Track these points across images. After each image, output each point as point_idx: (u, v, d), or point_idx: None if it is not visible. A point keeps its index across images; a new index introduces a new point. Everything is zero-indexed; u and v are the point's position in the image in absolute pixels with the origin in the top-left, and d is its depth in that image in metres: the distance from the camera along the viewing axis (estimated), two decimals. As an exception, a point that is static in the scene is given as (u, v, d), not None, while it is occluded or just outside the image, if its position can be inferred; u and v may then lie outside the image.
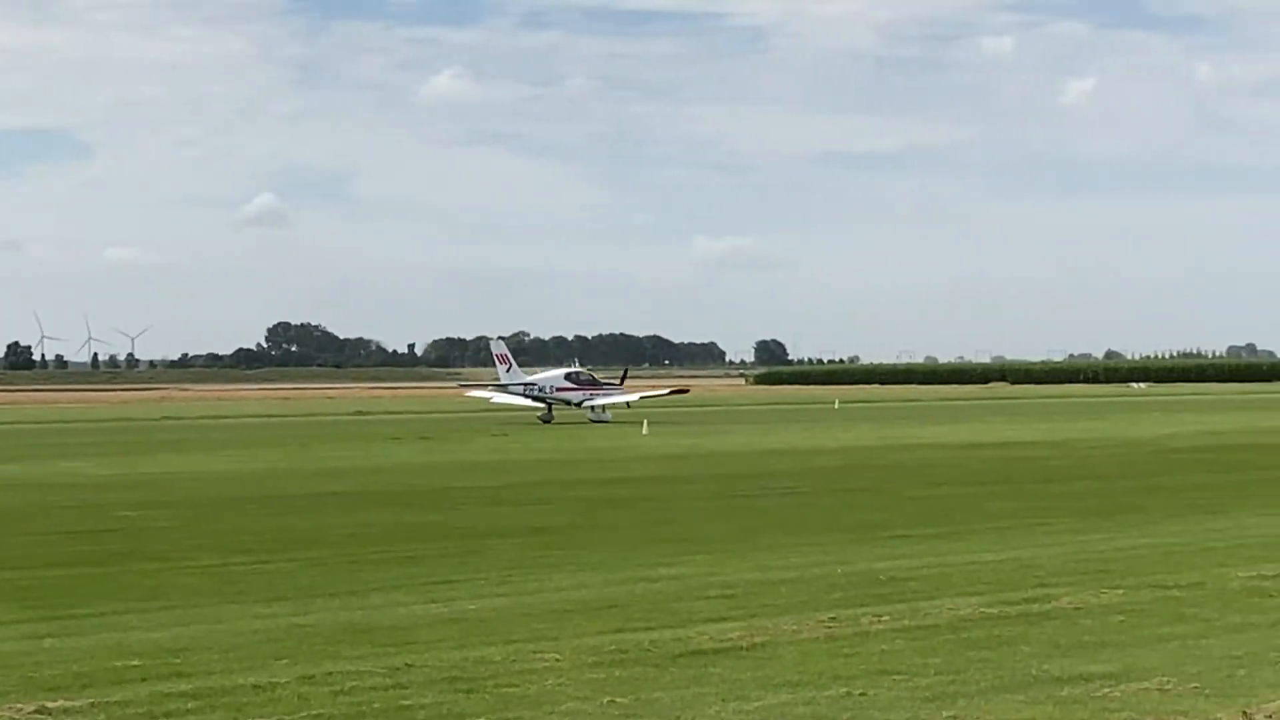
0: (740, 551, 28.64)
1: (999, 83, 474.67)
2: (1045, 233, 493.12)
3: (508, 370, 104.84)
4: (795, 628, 20.25)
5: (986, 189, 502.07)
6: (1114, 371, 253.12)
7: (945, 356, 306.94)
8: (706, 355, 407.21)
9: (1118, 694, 16.06)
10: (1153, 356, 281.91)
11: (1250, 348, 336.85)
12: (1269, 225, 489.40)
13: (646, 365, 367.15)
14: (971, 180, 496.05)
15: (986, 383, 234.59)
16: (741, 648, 18.92)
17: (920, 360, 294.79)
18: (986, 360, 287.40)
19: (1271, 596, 22.34)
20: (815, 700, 16.04)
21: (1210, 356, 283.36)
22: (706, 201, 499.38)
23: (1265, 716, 14.90)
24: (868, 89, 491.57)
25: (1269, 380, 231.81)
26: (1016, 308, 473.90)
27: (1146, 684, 16.46)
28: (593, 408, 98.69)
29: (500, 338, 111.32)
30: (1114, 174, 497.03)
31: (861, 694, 16.26)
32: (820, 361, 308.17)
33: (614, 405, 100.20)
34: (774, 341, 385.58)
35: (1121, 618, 20.74)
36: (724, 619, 20.99)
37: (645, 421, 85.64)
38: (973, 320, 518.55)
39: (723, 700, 16.09)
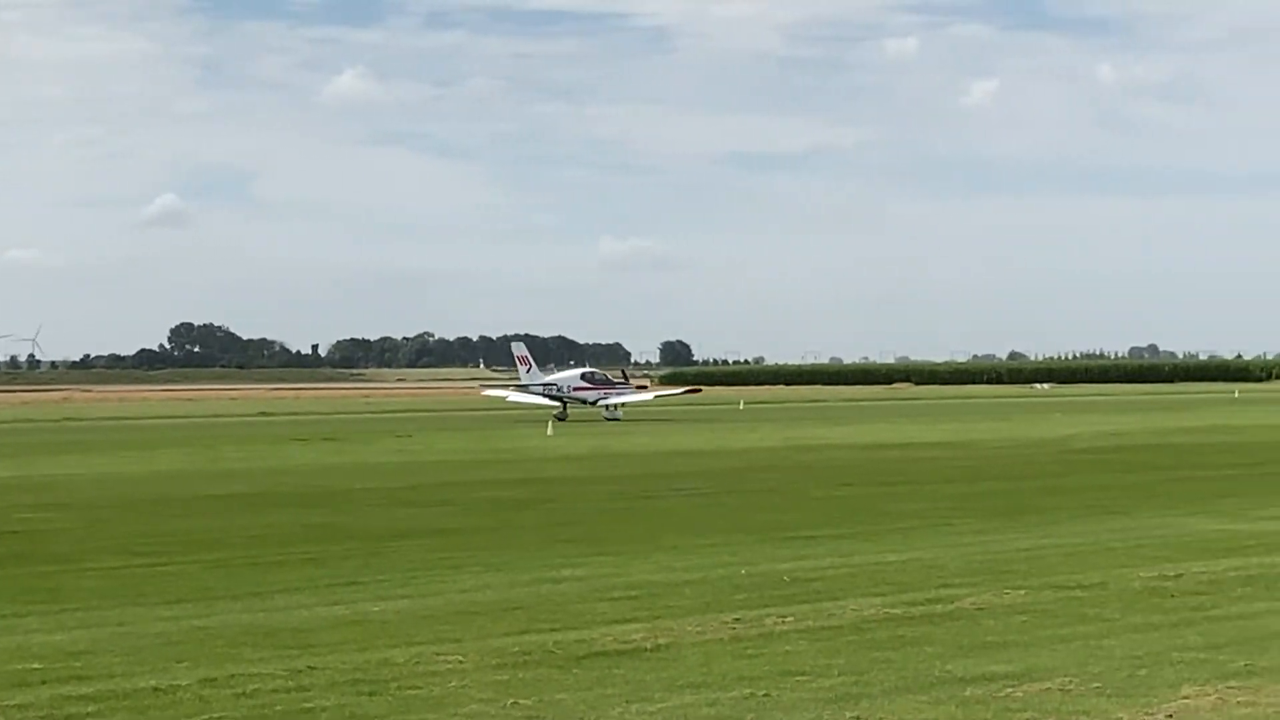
0: (644, 553, 28.61)
1: (902, 84, 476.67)
2: (949, 234, 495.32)
3: (528, 371, 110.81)
4: (699, 629, 20.24)
5: (891, 190, 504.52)
6: (1018, 372, 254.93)
7: (850, 357, 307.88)
8: (611, 356, 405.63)
9: (1020, 694, 16.11)
10: (1056, 357, 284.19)
11: (1152, 349, 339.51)
12: (1170, 226, 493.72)
13: (552, 366, 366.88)
14: (876, 181, 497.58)
15: (891, 383, 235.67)
16: (645, 649, 18.89)
17: (825, 361, 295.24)
18: (891, 361, 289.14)
19: (1173, 596, 22.48)
20: (719, 701, 16.03)
21: (1113, 357, 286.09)
22: (611, 202, 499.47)
23: (1166, 716, 14.99)
24: (771, 90, 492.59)
25: (1170, 381, 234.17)
26: (921, 309, 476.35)
27: (1049, 684, 16.53)
28: (607, 406, 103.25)
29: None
30: (1017, 175, 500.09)
31: (765, 695, 16.25)
32: (725, 362, 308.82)
33: (627, 404, 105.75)
34: (679, 342, 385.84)
35: (1024, 618, 20.83)
36: (628, 620, 20.95)
37: (550, 422, 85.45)
38: (877, 321, 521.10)
39: (626, 701, 16.05)
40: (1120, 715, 15.06)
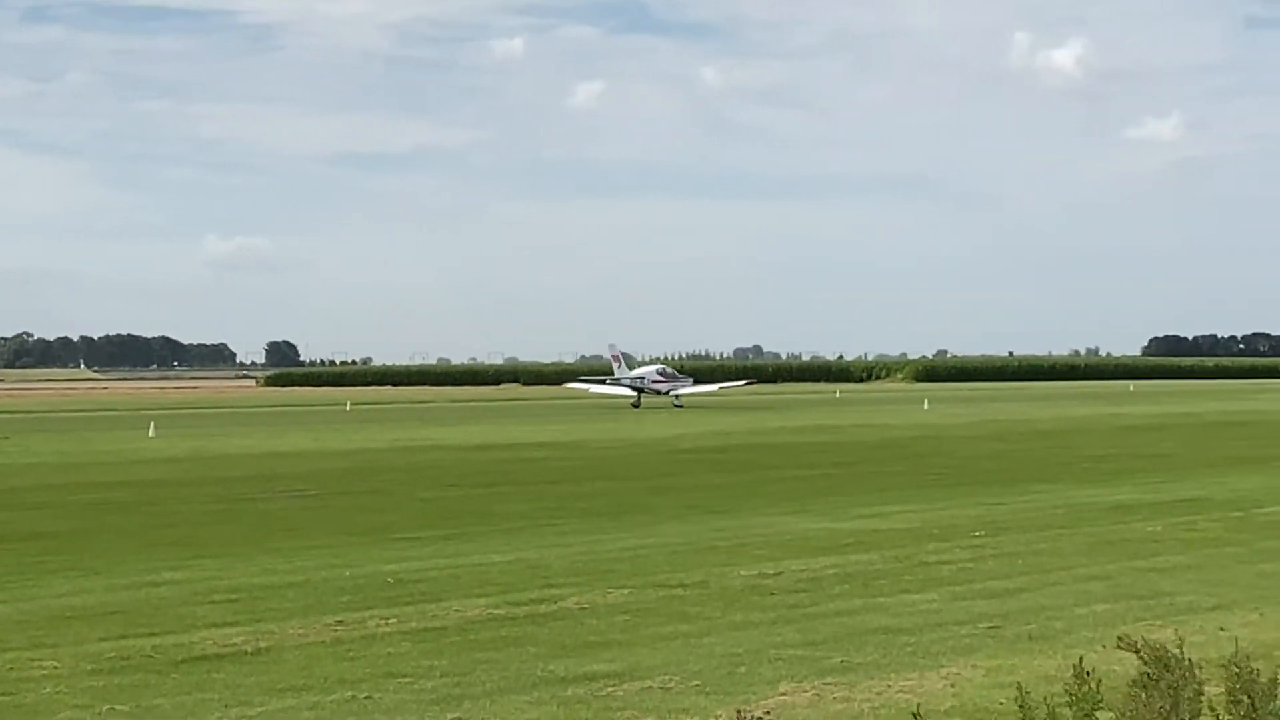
0: (247, 555, 28.21)
1: (510, 85, 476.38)
2: (558, 235, 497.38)
3: (619, 367, 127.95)
4: (302, 631, 20.02)
5: (499, 191, 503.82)
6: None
7: (459, 358, 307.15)
8: (217, 356, 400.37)
9: (621, 693, 16.23)
10: (663, 358, 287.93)
11: (756, 349, 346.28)
12: (774, 229, 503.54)
13: (155, 366, 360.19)
14: (485, 182, 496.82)
15: (499, 384, 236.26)
16: (246, 652, 18.62)
17: (433, 362, 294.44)
18: (499, 362, 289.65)
19: (772, 595, 22.87)
20: (320, 705, 15.86)
21: (719, 358, 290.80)
22: (217, 202, 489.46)
23: (764, 712, 15.20)
24: (380, 90, 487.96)
25: (775, 381, 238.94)
26: (530, 310, 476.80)
27: (649, 682, 16.68)
28: (676, 395, 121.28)
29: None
30: (625, 177, 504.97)
31: (367, 697, 16.13)
32: (332, 363, 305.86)
33: (693, 394, 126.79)
34: (285, 343, 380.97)
35: (626, 617, 21.01)
36: (229, 624, 20.63)
37: (151, 425, 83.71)
38: (486, 322, 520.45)
39: (225, 706, 15.80)
40: (719, 712, 15.23)
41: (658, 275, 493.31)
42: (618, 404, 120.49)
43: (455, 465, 54.14)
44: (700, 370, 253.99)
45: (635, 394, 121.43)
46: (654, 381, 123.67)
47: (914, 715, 9.95)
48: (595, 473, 49.80)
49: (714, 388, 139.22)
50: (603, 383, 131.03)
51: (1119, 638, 10.06)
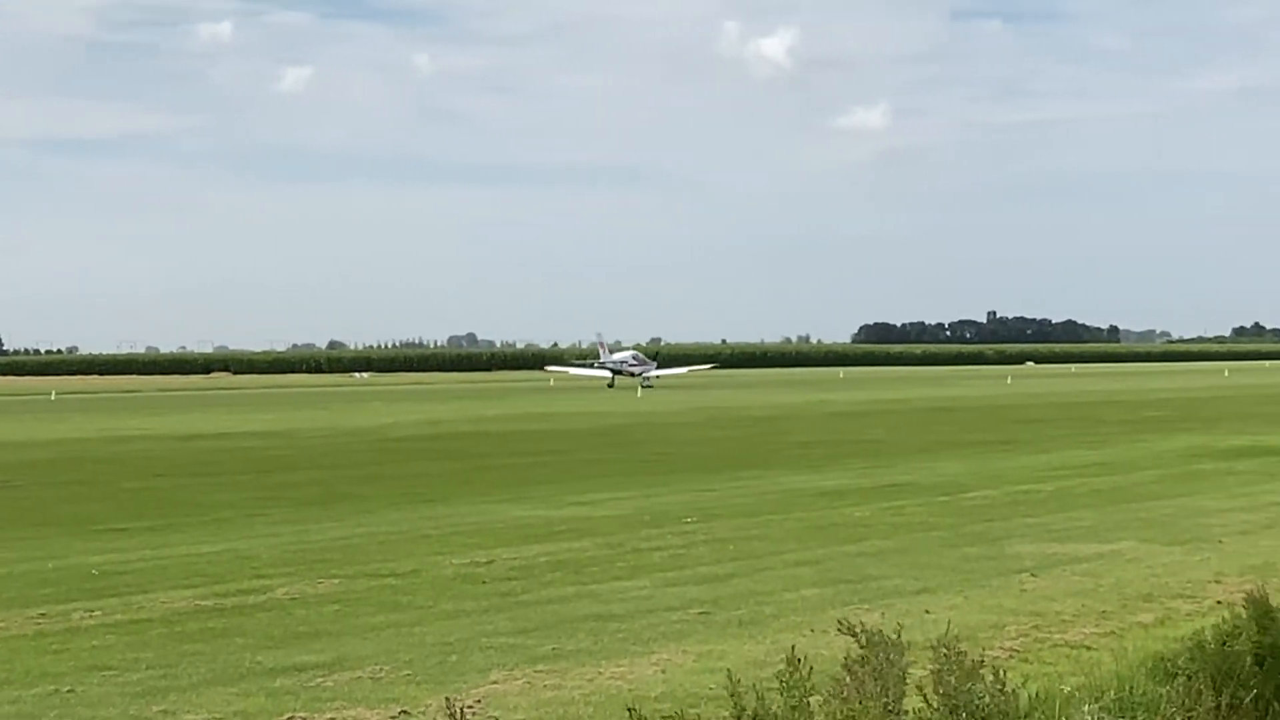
0: (-55, 548, 27.44)
1: (218, 70, 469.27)
2: (268, 222, 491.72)
3: (603, 353, 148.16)
4: (3, 625, 19.53)
5: (209, 177, 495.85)
6: (337, 361, 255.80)
7: (167, 346, 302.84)
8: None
9: (330, 683, 16.03)
10: (376, 346, 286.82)
11: (470, 337, 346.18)
12: (489, 217, 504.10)
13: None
14: (193, 168, 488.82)
15: (209, 373, 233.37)
16: (-57, 648, 18.08)
17: (141, 350, 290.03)
18: (209, 350, 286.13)
19: (484, 583, 22.77)
20: (21, 699, 15.46)
21: (433, 346, 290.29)
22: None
23: (475, 701, 15.10)
24: (81, 74, 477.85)
25: (489, 369, 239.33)
26: (239, 297, 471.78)
27: (360, 672, 16.49)
28: (645, 377, 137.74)
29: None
30: (336, 163, 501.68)
31: (70, 691, 15.74)
32: (37, 352, 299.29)
33: (663, 376, 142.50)
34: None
35: (337, 607, 20.78)
36: (-76, 619, 20.03)
37: None
38: (195, 310, 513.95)
39: (-80, 704, 15.31)
40: (429, 701, 15.10)
41: (371, 262, 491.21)
42: (578, 384, 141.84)
43: (164, 455, 53.30)
44: (411, 359, 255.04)
45: (612, 375, 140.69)
46: (630, 365, 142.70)
47: (629, 710, 9.90)
48: (306, 462, 49.33)
49: (683, 370, 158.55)
50: (590, 366, 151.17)
51: (839, 621, 10.14)
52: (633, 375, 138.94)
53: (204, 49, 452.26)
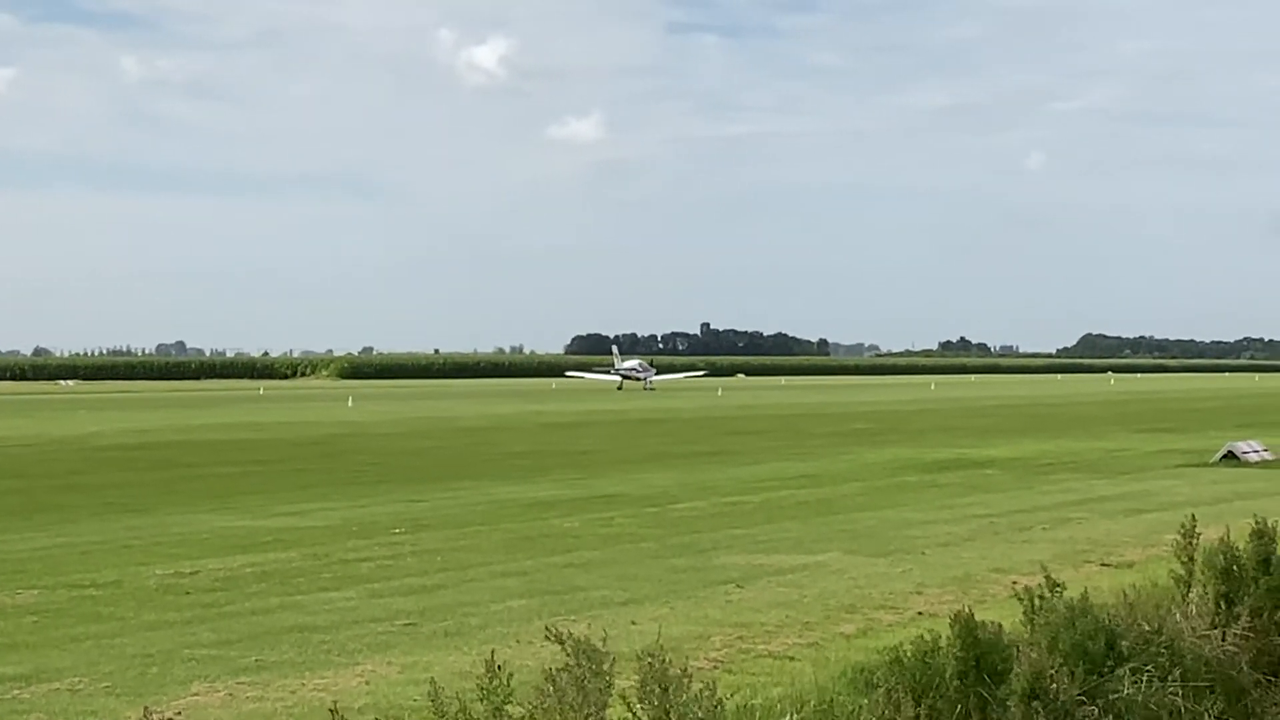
0: None
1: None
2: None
3: (618, 360, 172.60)
4: None
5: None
6: (42, 369, 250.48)
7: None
8: None
9: (27, 695, 15.70)
10: (82, 354, 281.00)
11: (180, 345, 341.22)
12: (198, 224, 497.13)
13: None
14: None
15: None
16: None
17: None
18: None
19: (188, 594, 22.46)
20: None
21: (141, 354, 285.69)
22: None
23: (175, 713, 14.89)
24: None
25: (198, 378, 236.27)
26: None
27: (58, 685, 16.18)
28: (649, 381, 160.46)
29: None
30: (39, 168, 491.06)
31: None
32: None
33: (661, 381, 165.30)
34: None
35: (35, 618, 20.36)
36: None
37: None
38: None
39: None
40: (129, 714, 14.82)
41: (79, 269, 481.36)
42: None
43: None
44: (118, 367, 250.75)
45: (621, 380, 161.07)
46: (636, 372, 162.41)
47: (331, 712, 9.84)
48: (8, 471, 48.29)
49: (680, 376, 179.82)
50: (607, 372, 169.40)
51: (547, 628, 10.17)
52: (638, 380, 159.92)
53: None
